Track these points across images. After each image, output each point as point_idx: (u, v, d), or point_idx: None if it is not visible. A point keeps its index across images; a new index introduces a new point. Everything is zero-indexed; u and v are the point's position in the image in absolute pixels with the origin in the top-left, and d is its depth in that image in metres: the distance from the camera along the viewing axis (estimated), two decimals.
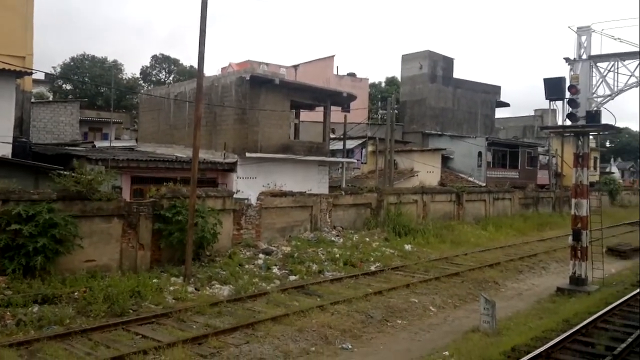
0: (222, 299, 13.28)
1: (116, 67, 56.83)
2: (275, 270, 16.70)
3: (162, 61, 62.75)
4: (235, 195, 19.10)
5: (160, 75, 62.69)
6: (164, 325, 11.45)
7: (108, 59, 57.74)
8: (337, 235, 22.05)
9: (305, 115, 29.88)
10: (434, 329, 12.62)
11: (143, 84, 59.82)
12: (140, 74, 61.61)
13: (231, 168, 21.24)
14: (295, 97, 23.36)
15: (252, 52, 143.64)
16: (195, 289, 14.16)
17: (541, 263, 21.62)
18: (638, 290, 15.56)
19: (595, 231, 17.75)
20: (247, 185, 21.22)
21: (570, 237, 16.87)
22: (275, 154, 22.14)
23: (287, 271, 16.72)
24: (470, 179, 36.50)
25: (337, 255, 18.88)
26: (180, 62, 63.70)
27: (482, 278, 17.90)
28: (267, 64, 32.78)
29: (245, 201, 19.53)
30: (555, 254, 23.31)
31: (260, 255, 17.96)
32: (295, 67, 43.63)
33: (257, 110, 21.60)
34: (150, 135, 27.19)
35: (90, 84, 50.04)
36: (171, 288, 13.81)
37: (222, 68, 45.68)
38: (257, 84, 21.55)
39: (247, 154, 21.09)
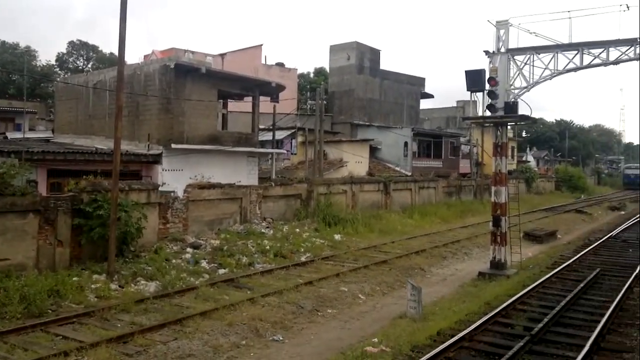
0: (148, 296, 12.91)
1: (29, 53, 53.42)
2: (204, 264, 16.43)
3: (79, 47, 59.55)
4: (160, 188, 18.57)
5: (78, 62, 59.52)
6: (86, 325, 10.95)
7: (20, 45, 54.17)
8: (268, 227, 21.97)
9: (233, 105, 29.41)
10: (364, 317, 12.87)
11: (59, 72, 56.53)
12: (56, 60, 58.18)
13: (156, 160, 20.57)
14: (222, 86, 22.93)
15: (176, 39, 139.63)
16: (120, 286, 13.65)
17: (464, 249, 22.58)
18: (552, 272, 16.66)
19: (513, 217, 18.77)
20: (173, 177, 20.64)
21: (491, 224, 17.74)
22: (202, 145, 21.65)
23: (216, 265, 16.48)
24: (397, 168, 37.44)
25: (268, 247, 18.85)
26: (100, 48, 60.85)
27: (409, 265, 18.45)
28: (192, 52, 31.85)
29: (172, 194, 19.02)
30: (476, 240, 24.41)
31: (188, 250, 17.60)
32: (222, 55, 42.76)
33: (183, 100, 21.00)
34: (67, 126, 25.77)
35: (1, 71, 46.70)
36: (93, 286, 13.24)
37: (144, 56, 44.10)
38: (182, 72, 20.95)
39: (173, 145, 20.49)
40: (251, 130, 25.03)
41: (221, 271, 16.03)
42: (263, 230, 21.28)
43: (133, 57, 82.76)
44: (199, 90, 21.61)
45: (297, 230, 22.21)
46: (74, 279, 13.35)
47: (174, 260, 16.26)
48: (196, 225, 19.81)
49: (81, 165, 18.22)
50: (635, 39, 15.53)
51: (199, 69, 21.22)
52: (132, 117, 21.80)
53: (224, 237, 19.44)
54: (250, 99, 25.34)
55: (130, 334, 10.26)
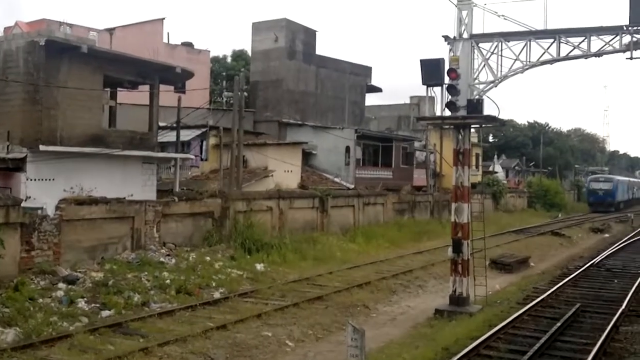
0: (4, 347, 12.38)
1: None
2: (81, 304, 15.99)
3: None
4: (23, 204, 17.93)
5: None
6: None
7: None
8: (168, 255, 21.64)
9: (125, 96, 28.74)
10: None
11: None
12: None
13: (18, 166, 19.75)
14: (110, 71, 22.44)
15: (48, 8, 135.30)
16: None
17: (417, 280, 23.04)
18: (524, 309, 17.26)
19: (477, 241, 19.35)
20: (41, 189, 19.87)
21: (450, 249, 18.19)
22: (82, 147, 21.03)
23: (98, 305, 16.09)
24: (336, 179, 37.77)
25: (168, 281, 18.60)
26: None
27: (350, 302, 18.61)
28: (70, 25, 30.84)
29: (39, 212, 18.38)
30: (433, 269, 24.99)
31: (61, 285, 17.06)
32: (111, 31, 41.72)
33: (56, 87, 20.36)
34: None
35: None
36: None
37: (5, 28, 42.31)
38: (56, 51, 20.31)
39: (42, 147, 19.74)
40: (148, 129, 24.59)
41: (105, 313, 15.63)
42: (162, 260, 20.91)
43: None
44: (78, 75, 21.01)
45: (208, 258, 21.97)
46: None
47: (40, 300, 15.70)
48: (72, 253, 19.22)
49: None
50: (622, 26, 16.41)
51: (79, 47, 20.63)
52: None
53: (110, 269, 18.96)
54: (147, 88, 24.88)
55: None
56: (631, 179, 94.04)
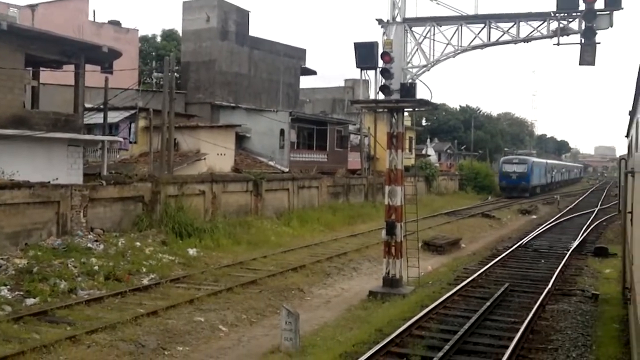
0: None
1: None
2: (4, 292, 15.62)
3: None
4: None
5: None
6: None
7: None
8: (96, 241, 21.25)
9: (48, 75, 27.94)
10: (225, 354, 12.86)
11: None
12: None
13: None
14: (32, 49, 21.80)
15: None
16: None
17: (352, 263, 23.36)
18: (454, 289, 17.77)
19: (410, 223, 19.73)
20: None
21: (384, 231, 18.52)
22: (2, 129, 20.35)
23: (22, 293, 15.76)
24: (271, 163, 37.76)
25: (96, 268, 18.30)
26: None
27: (285, 285, 18.72)
28: None
29: None
30: (367, 252, 25.38)
31: None
32: (33, 7, 40.29)
33: None
34: None
35: None
36: None
37: None
38: None
39: None
40: (74, 111, 23.99)
41: (29, 301, 15.33)
42: (90, 245, 20.54)
43: None
44: None
45: (138, 244, 21.70)
46: None
47: None
48: None
49: None
50: (549, 12, 16.92)
51: None
52: None
53: (34, 255, 18.48)
54: (72, 67, 24.21)
55: None
56: (550, 161, 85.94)
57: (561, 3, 16.37)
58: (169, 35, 62.38)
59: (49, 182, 20.93)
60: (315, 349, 12.70)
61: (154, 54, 57.58)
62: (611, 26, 16.10)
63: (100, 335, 12.83)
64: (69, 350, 11.87)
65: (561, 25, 16.76)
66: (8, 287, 15.93)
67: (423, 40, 18.19)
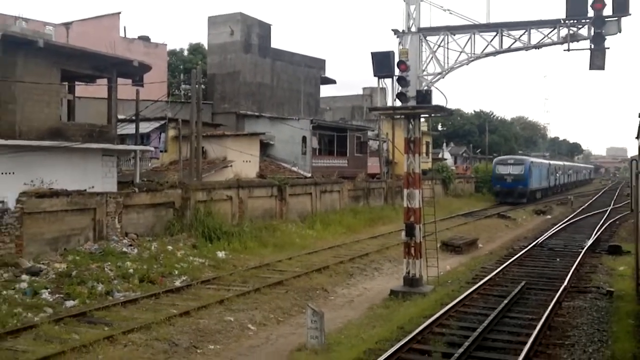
0: None
1: None
2: (45, 295, 15.74)
3: None
4: None
5: None
6: None
7: None
8: (131, 245, 21.39)
9: (83, 89, 28.22)
10: (254, 352, 12.87)
11: None
12: None
13: None
14: (68, 65, 22.00)
15: (3, 3, 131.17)
16: None
17: (373, 264, 23.30)
18: (473, 288, 17.66)
19: (429, 224, 19.67)
20: (1, 183, 19.40)
21: (403, 233, 18.45)
22: (40, 140, 20.59)
23: (62, 295, 15.86)
24: (294, 169, 37.82)
25: (131, 271, 18.41)
26: None
27: (309, 286, 18.72)
28: (26, 20, 30.08)
29: (0, 205, 17.88)
30: (388, 252, 25.30)
31: (24, 277, 16.74)
32: (68, 25, 40.78)
33: (13, 82, 19.83)
34: None
35: None
36: None
37: None
38: (12, 46, 19.79)
39: (0, 141, 19.27)
40: (107, 122, 24.18)
41: (69, 303, 15.42)
42: (125, 250, 20.68)
43: None
44: (35, 70, 20.55)
45: (170, 247, 21.80)
46: None
47: (4, 292, 15.40)
48: (34, 245, 18.84)
49: None
50: (559, 19, 16.81)
51: (35, 42, 20.12)
52: None
53: (73, 260, 18.66)
54: (105, 81, 24.43)
55: None
56: (553, 162, 73.35)
57: (570, 10, 16.24)
58: (195, 49, 62.70)
59: (85, 190, 21.14)
60: (340, 346, 12.69)
61: (181, 67, 57.90)
62: (620, 32, 15.94)
63: (136, 334, 12.90)
64: (107, 349, 11.94)
65: (571, 32, 16.63)
66: (49, 290, 16.08)
67: (437, 48, 18.13)
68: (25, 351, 11.71)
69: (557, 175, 71.12)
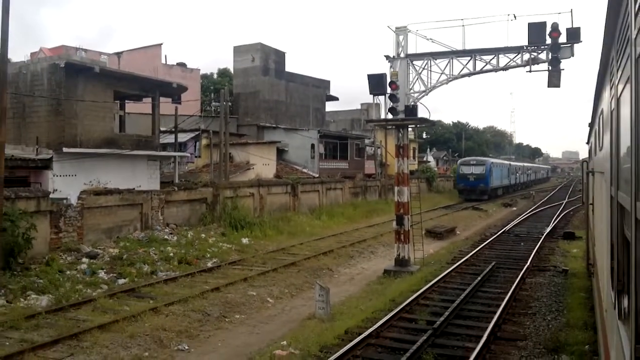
0: (40, 310, 12.10)
1: None
2: (101, 274, 15.72)
3: None
4: (51, 195, 17.52)
5: None
6: None
7: None
8: (171, 233, 21.39)
9: (132, 107, 28.36)
10: (272, 320, 12.87)
11: None
12: None
13: (46, 165, 19.31)
14: (119, 87, 22.09)
15: (66, 37, 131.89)
16: (7, 301, 12.69)
17: (370, 248, 23.25)
18: (452, 267, 17.61)
19: (415, 215, 19.61)
20: (65, 183, 19.49)
21: (394, 222, 18.43)
22: (97, 148, 20.67)
23: (115, 275, 15.84)
24: (304, 170, 37.84)
25: (171, 254, 18.39)
26: None
27: (317, 266, 18.70)
28: (85, 50, 30.26)
29: (64, 201, 18.00)
30: (382, 239, 25.23)
31: (84, 260, 16.75)
32: (119, 54, 40.98)
33: (75, 101, 19.91)
34: None
35: None
36: None
37: (31, 54, 41.20)
38: (73, 71, 19.88)
39: (65, 149, 19.36)
40: (151, 133, 24.26)
41: (121, 281, 15.40)
42: (166, 237, 20.68)
43: (18, 54, 77.15)
44: (92, 91, 20.63)
45: (203, 235, 21.81)
46: None
47: (68, 272, 15.41)
48: (92, 233, 18.89)
49: None
50: (522, 46, 16.78)
51: (92, 68, 20.29)
52: (18, 120, 20.36)
53: (124, 246, 18.69)
54: (150, 100, 24.53)
55: (19, 352, 9.54)
56: (513, 163, 69.98)
57: (532, 38, 16.19)
58: (223, 72, 62.84)
59: (134, 188, 21.23)
60: (343, 315, 12.68)
61: (212, 87, 58.02)
62: (572, 55, 15.88)
63: (175, 306, 12.92)
64: (152, 318, 11.96)
65: (532, 56, 16.59)
66: (104, 270, 16.12)
67: (422, 70, 18.10)
68: (85, 320, 11.75)
69: (518, 174, 67.70)
